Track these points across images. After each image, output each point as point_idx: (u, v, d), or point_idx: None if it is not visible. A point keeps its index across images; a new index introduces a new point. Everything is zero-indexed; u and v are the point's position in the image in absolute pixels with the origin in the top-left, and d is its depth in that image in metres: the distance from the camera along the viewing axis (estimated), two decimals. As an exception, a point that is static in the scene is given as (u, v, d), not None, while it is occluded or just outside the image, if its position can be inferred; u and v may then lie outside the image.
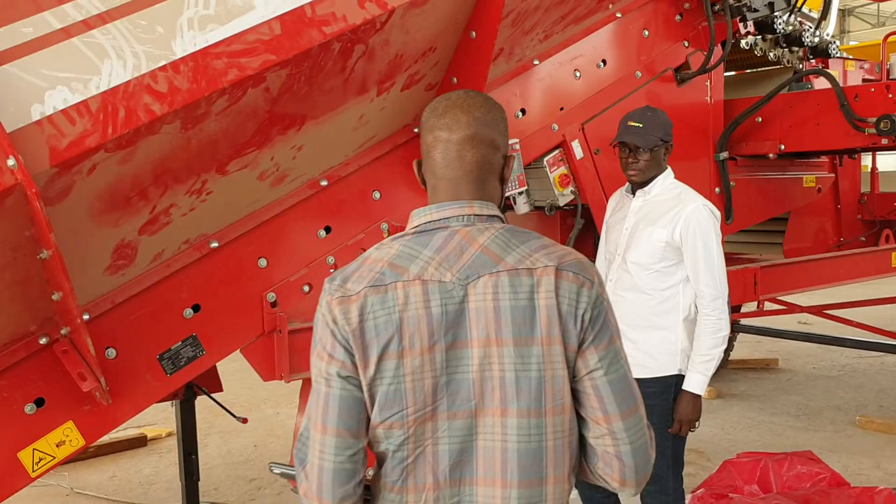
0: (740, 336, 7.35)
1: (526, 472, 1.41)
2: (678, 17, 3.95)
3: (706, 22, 3.91)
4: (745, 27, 4.32)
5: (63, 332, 2.34)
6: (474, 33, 2.77)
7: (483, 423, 1.41)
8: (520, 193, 3.39)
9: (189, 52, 2.04)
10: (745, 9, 4.12)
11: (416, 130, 3.11)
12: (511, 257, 1.44)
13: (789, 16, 4.50)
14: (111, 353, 2.48)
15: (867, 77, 5.41)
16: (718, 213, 3.02)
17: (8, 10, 1.89)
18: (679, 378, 2.98)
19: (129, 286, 2.51)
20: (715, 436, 5.47)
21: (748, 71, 5.08)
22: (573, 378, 1.45)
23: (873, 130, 3.95)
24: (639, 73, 3.78)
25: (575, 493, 3.15)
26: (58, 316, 2.28)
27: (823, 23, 4.86)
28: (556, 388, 1.42)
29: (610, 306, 1.49)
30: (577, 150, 3.53)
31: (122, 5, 1.99)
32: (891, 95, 3.97)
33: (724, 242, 3.17)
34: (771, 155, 4.37)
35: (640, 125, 2.98)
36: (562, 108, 3.52)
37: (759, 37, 4.49)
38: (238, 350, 2.78)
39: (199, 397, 4.38)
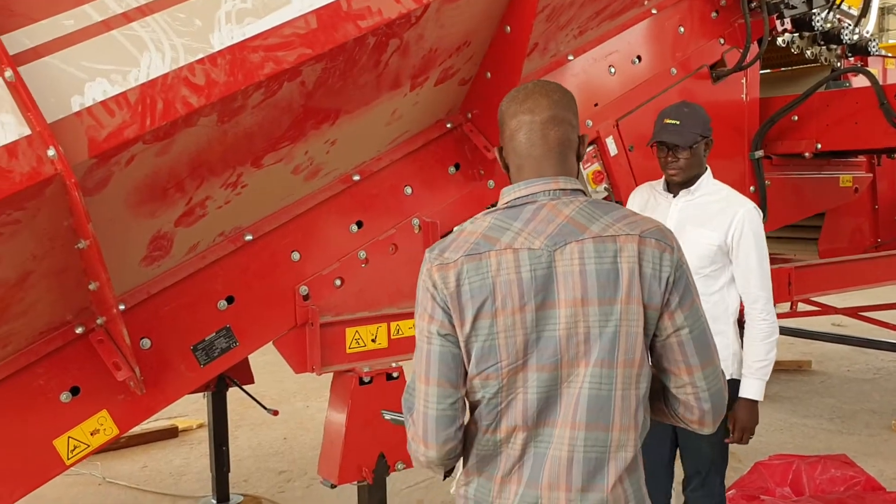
0: (773, 337, 7.24)
1: (594, 416, 1.56)
2: (714, 14, 3.90)
3: (742, 19, 3.87)
4: (783, 24, 4.26)
5: (99, 321, 2.37)
6: (509, 28, 2.76)
7: (567, 374, 1.57)
8: (552, 190, 3.37)
9: (226, 46, 2.06)
10: (782, 6, 4.06)
11: (448, 126, 3.11)
12: (595, 226, 1.59)
13: (828, 13, 4.43)
14: (146, 343, 2.51)
15: (908, 75, 5.31)
16: (761, 213, 2.96)
17: (50, 2, 1.92)
18: (733, 383, 2.82)
19: (164, 277, 2.54)
20: (746, 437, 5.41)
21: (784, 69, 5.01)
22: (659, 335, 1.62)
23: (914, 129, 3.88)
24: (674, 70, 3.75)
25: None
26: (94, 306, 2.31)
27: (863, 20, 4.77)
28: (629, 344, 1.57)
29: (689, 269, 1.65)
30: (611, 146, 3.51)
31: (161, -2, 2.02)
32: (932, 94, 3.90)
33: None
34: (807, 154, 4.31)
35: (678, 122, 2.85)
36: (596, 105, 3.50)
37: (797, 34, 4.42)
38: (270, 342, 2.80)
39: (229, 389, 4.43)
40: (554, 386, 1.57)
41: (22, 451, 2.35)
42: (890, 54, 5.29)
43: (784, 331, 7.00)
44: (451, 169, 3.16)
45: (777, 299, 4.44)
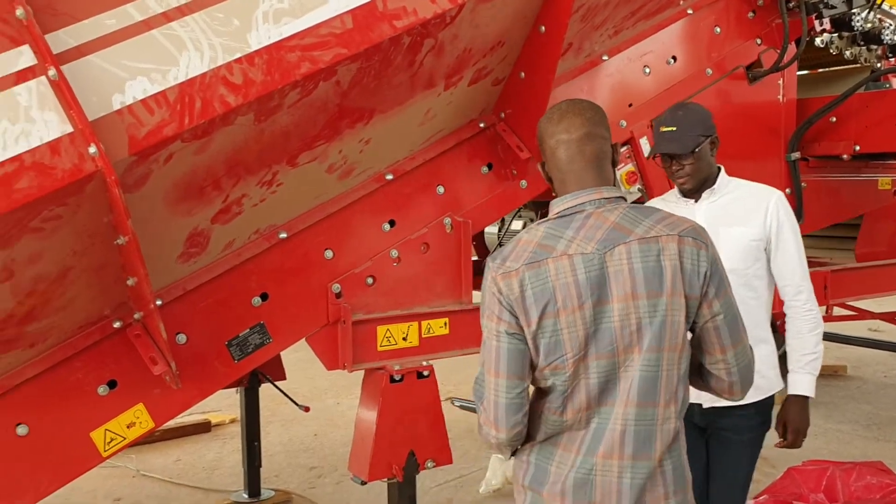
0: (807, 341, 7.13)
1: (643, 395, 1.79)
2: (751, 14, 3.86)
3: (780, 19, 3.82)
4: (821, 24, 4.20)
5: (136, 316, 2.41)
6: (544, 28, 2.76)
7: (623, 360, 1.79)
8: (585, 190, 3.36)
9: (264, 45, 2.08)
10: (821, 5, 4.00)
11: (481, 125, 3.12)
12: (639, 229, 1.81)
13: (868, 13, 4.35)
14: (181, 338, 2.55)
15: (950, 77, 5.20)
16: None
17: (92, 2, 1.95)
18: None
19: (200, 274, 2.58)
20: (779, 442, 5.35)
21: (823, 69, 4.94)
22: (698, 321, 1.85)
23: (955, 132, 3.81)
24: (709, 71, 3.71)
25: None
26: (132, 301, 2.35)
27: (904, 20, 4.69)
28: (674, 331, 1.79)
29: (721, 261, 1.87)
30: (645, 147, 3.49)
31: (200, -2, 2.04)
32: (975, 95, 3.82)
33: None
34: (845, 156, 4.24)
35: (675, 129, 2.67)
36: (630, 105, 3.48)
37: (836, 34, 4.36)
38: (303, 339, 2.82)
39: (262, 385, 4.48)
40: (612, 371, 1.79)
41: (60, 442, 2.39)
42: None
43: (819, 335, 6.91)
44: (484, 168, 3.16)
45: (813, 303, 4.39)
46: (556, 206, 1.87)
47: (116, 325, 2.43)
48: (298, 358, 4.50)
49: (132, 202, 1.98)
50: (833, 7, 4.05)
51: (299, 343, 2.86)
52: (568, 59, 3.15)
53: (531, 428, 1.86)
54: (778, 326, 3.07)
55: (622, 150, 3.44)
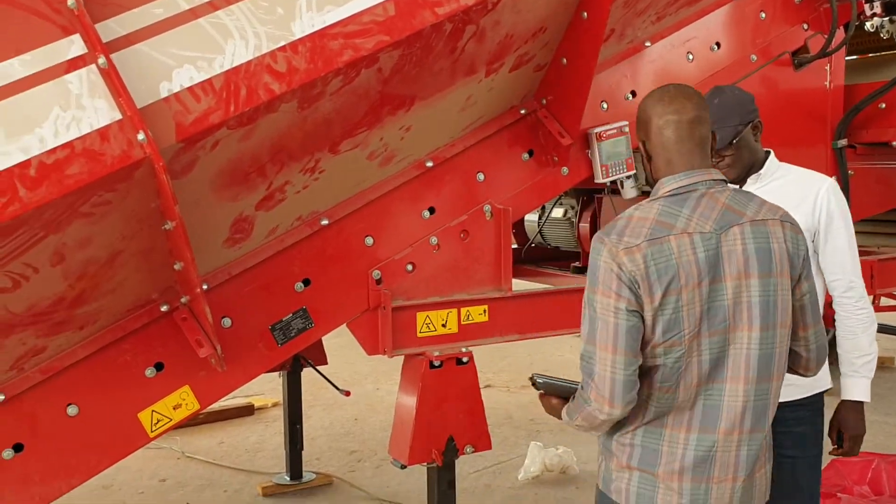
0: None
1: (762, 372, 1.87)
2: (798, -1, 3.80)
3: (828, 3, 3.75)
4: (872, 8, 4.11)
5: (183, 300, 2.46)
6: (586, 14, 2.74)
7: (733, 337, 1.85)
8: (627, 177, 3.34)
9: (307, 33, 2.10)
10: (872, -11, 3.93)
11: (522, 112, 3.11)
12: (749, 211, 1.89)
13: (920, -4, 4.25)
14: (227, 322, 2.59)
15: None
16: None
17: (141, -8, 1.99)
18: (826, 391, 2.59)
19: (244, 259, 2.62)
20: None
21: (872, 55, 4.83)
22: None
23: None
24: (754, 57, 3.66)
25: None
26: (179, 285, 2.40)
27: (958, 3, 4.56)
28: (783, 309, 1.89)
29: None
30: (687, 134, 3.45)
31: (245, -13, 2.07)
32: None
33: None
34: (894, 143, 4.16)
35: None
36: (672, 92, 3.44)
37: (887, 18, 4.26)
38: (344, 324, 2.86)
39: (304, 370, 4.54)
40: (723, 348, 1.85)
41: (109, 422, 2.46)
42: None
43: (866, 326, 6.78)
44: (525, 156, 3.16)
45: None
46: (669, 185, 1.91)
47: (164, 308, 2.48)
48: (339, 344, 4.55)
49: (179, 188, 2.02)
50: (884, -10, 3.97)
51: (340, 329, 2.89)
52: (610, 45, 3.12)
53: (634, 411, 1.89)
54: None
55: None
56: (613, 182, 3.34)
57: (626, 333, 1.81)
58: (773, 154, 2.67)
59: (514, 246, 4.92)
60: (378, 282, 2.83)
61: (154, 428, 2.52)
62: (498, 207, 3.08)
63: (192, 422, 5.52)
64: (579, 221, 4.42)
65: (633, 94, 3.34)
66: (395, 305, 2.86)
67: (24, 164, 1.81)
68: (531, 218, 4.80)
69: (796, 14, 3.80)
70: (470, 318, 3.05)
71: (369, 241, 2.83)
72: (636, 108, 3.30)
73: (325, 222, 2.73)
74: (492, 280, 3.11)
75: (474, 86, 2.73)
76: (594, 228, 4.31)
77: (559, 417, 2.07)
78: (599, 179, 3.24)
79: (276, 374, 4.65)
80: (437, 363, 2.87)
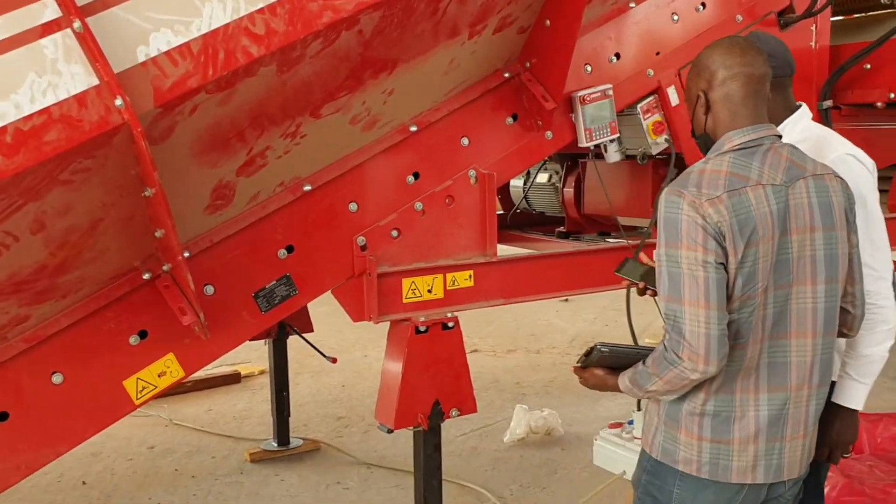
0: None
1: (828, 325, 1.90)
2: (784, -42, 3.76)
3: (814, -37, 3.72)
4: (857, -32, 4.09)
5: (165, 268, 2.45)
6: (569, -25, 2.71)
7: (796, 291, 1.86)
8: (611, 141, 3.32)
9: (286, -5, 2.06)
10: (857, -52, 3.90)
11: (506, 75, 3.08)
12: (809, 165, 1.91)
13: (906, -45, 4.22)
14: (209, 289, 2.58)
15: None
16: (872, 163, 2.28)
17: (114, -47, 1.94)
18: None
19: (227, 226, 2.60)
20: (805, 394, 5.33)
21: (858, 15, 4.81)
22: None
23: None
24: (739, 17, 3.63)
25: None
26: (160, 253, 2.38)
27: (944, -38, 4.54)
28: (843, 262, 1.91)
29: None
30: (673, 96, 3.44)
31: (221, -52, 2.02)
32: None
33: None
34: (879, 104, 4.15)
35: None
36: (658, 53, 3.42)
37: (872, -22, 4.24)
38: (328, 291, 2.85)
39: (290, 338, 4.54)
40: (785, 302, 1.85)
41: (94, 390, 2.45)
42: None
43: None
44: (509, 120, 3.14)
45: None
46: (736, 138, 1.90)
47: (146, 276, 2.46)
48: (326, 311, 4.55)
49: (158, 154, 1.99)
50: (869, -51, 3.94)
51: (326, 296, 2.89)
52: (594, 6, 3.09)
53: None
54: None
55: (648, 99, 3.40)
56: (597, 146, 3.33)
57: (716, 287, 1.78)
58: (799, 111, 2.38)
59: (500, 211, 4.92)
60: (363, 248, 2.82)
61: (139, 395, 2.52)
62: (483, 172, 3.06)
63: (180, 390, 5.54)
64: (563, 186, 4.41)
65: (618, 56, 3.32)
66: (381, 272, 2.85)
67: (1, 131, 1.77)
68: (516, 183, 4.78)
69: (782, -26, 3.77)
70: (455, 283, 3.05)
71: (353, 207, 2.81)
72: (620, 71, 3.34)
73: (307, 188, 2.71)
74: (477, 245, 3.10)
75: (457, 48, 2.70)
76: (578, 193, 4.30)
77: (609, 388, 2.02)
78: (583, 143, 3.23)
79: (262, 341, 4.65)
80: (422, 328, 2.87)
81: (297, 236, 2.71)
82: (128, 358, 2.49)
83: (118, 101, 1.84)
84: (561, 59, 2.94)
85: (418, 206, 2.94)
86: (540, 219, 4.75)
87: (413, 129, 2.89)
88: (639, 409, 3.34)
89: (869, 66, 4.10)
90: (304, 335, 4.30)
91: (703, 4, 3.53)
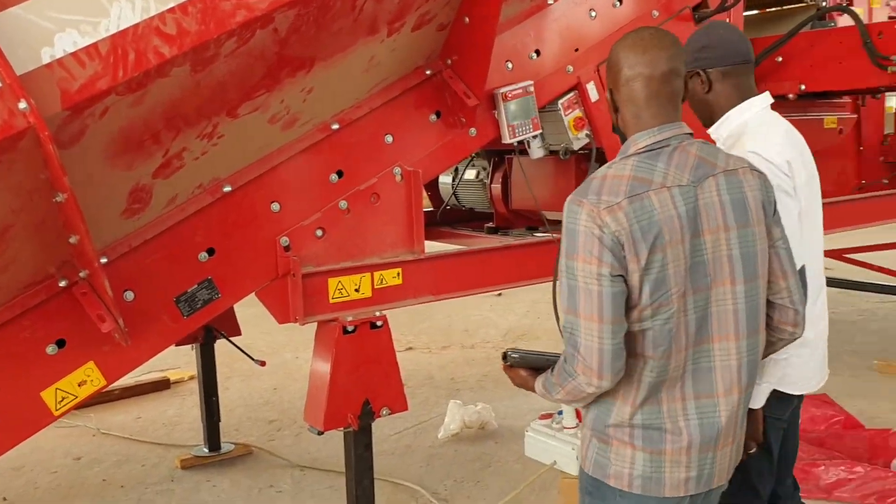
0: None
1: (751, 325, 1.83)
2: (697, -46, 3.85)
3: (726, -41, 3.82)
4: (768, -36, 4.21)
5: (82, 274, 2.38)
6: (485, -28, 2.72)
7: (715, 293, 1.79)
8: (534, 137, 3.36)
9: (197, -7, 2.03)
10: (766, -55, 4.01)
11: (428, 73, 3.09)
12: (720, 161, 1.84)
13: (813, -48, 4.38)
14: (129, 295, 2.52)
15: (893, 14, 5.27)
16: (781, 161, 2.23)
17: (14, -48, 1.88)
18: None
19: (145, 230, 2.55)
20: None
21: (769, 9, 4.96)
22: None
23: (896, 69, 3.86)
24: (656, 13, 3.70)
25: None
26: (76, 259, 2.32)
27: (849, -41, 4.72)
28: (763, 259, 1.84)
29: None
30: (593, 92, 3.49)
31: (128, -54, 1.98)
32: (916, 33, 3.87)
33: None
34: (791, 95, 4.29)
35: None
36: (577, 50, 3.47)
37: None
38: (253, 293, 2.81)
39: (220, 342, 4.47)
40: (706, 306, 1.79)
41: (10, 402, 2.38)
42: (876, -7, 5.24)
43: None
44: (432, 117, 3.14)
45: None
46: (641, 141, 1.82)
47: (62, 283, 2.39)
48: (255, 313, 4.48)
49: (69, 158, 1.94)
50: (778, -54, 4.06)
51: (255, 299, 2.84)
52: (513, 3, 3.12)
53: (626, 389, 1.80)
54: None
55: (568, 95, 3.44)
56: (521, 142, 3.37)
57: (611, 301, 1.71)
58: (737, 109, 2.34)
59: (430, 208, 4.93)
60: (286, 248, 2.79)
61: (59, 406, 2.45)
62: (408, 170, 3.06)
63: (107, 398, 5.40)
64: (491, 182, 4.44)
65: (538, 52, 3.35)
66: (306, 272, 2.83)
67: None
68: (445, 180, 4.80)
69: (695, -31, 3.86)
70: (383, 281, 3.05)
71: (275, 207, 2.78)
72: (541, 68, 3.37)
73: (227, 189, 2.67)
74: (405, 243, 3.10)
75: (377, 46, 2.70)
76: (505, 189, 4.34)
77: (531, 389, 1.97)
78: (507, 140, 3.25)
79: (190, 346, 4.56)
80: (350, 328, 2.86)
81: (218, 238, 2.67)
82: (45, 368, 2.42)
83: (22, 105, 1.78)
84: (481, 56, 2.96)
85: (343, 204, 2.92)
86: (469, 215, 4.78)
87: (335, 127, 2.88)
88: (568, 401, 3.38)
89: (780, 58, 4.23)
90: (231, 339, 4.24)
91: (620, 0, 3.59)
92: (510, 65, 3.27)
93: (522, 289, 5.64)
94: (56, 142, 1.85)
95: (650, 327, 1.76)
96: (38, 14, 1.87)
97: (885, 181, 5.35)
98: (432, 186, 4.93)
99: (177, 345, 3.77)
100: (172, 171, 2.41)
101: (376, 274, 3.02)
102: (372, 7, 2.47)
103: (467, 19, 2.88)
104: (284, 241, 2.78)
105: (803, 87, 4.23)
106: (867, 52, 3.95)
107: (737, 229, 1.80)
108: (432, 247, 3.40)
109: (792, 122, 4.64)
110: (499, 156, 4.43)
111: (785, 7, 4.85)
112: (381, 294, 3.03)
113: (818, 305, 2.39)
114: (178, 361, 6.11)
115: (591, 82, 3.47)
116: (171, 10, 2.01)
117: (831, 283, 6.98)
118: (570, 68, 3.43)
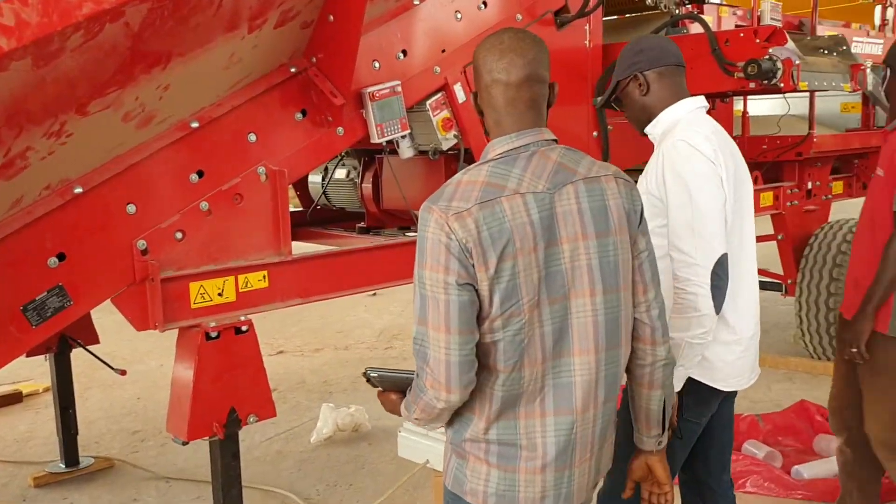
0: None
1: (611, 339, 1.76)
2: (558, -40, 3.95)
3: (585, -35, 3.93)
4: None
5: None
6: (350, -30, 2.70)
7: (574, 304, 1.73)
8: (403, 137, 3.35)
9: (38, -17, 1.90)
10: (622, -48, 4.16)
11: (293, 70, 3.02)
12: (581, 168, 1.77)
13: (666, -39, 4.57)
14: (-31, 304, 2.35)
15: (740, 23, 5.58)
16: (707, 149, 2.26)
17: None
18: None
19: (-15, 235, 2.37)
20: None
21: (629, 15, 5.15)
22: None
23: (742, 74, 4.08)
24: (519, 16, 3.78)
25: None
26: None
27: (699, -31, 4.96)
28: (626, 269, 1.78)
29: None
30: (460, 93, 3.52)
31: (-42, -71, 1.84)
32: (759, 41, 4.10)
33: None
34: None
35: None
36: (443, 51, 3.49)
37: (641, -20, 4.55)
38: (109, 300, 2.68)
39: (74, 351, 4.24)
40: (565, 317, 1.72)
41: None
42: (724, 2, 5.54)
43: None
44: (298, 115, 3.08)
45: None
46: (499, 147, 1.76)
47: None
48: (116, 321, 4.28)
49: None
50: (632, -46, 4.22)
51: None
52: (378, 2, 3.10)
53: (480, 402, 1.73)
54: None
55: (436, 96, 3.46)
56: (391, 142, 3.35)
57: (458, 311, 1.64)
58: (671, 109, 2.40)
59: (300, 209, 4.84)
60: (144, 252, 2.67)
61: None
62: (273, 169, 2.99)
63: (-49, 415, 5.03)
64: (362, 182, 4.41)
65: (405, 53, 3.35)
66: (165, 276, 2.71)
67: None
68: (315, 179, 4.73)
69: (552, -27, 3.94)
70: (249, 285, 2.96)
71: (131, 208, 2.65)
72: (408, 68, 3.37)
73: (78, 190, 2.52)
74: (270, 244, 3.03)
75: (237, 42, 2.62)
76: (376, 189, 4.32)
77: (400, 414, 1.88)
78: (375, 139, 3.23)
79: (43, 357, 4.30)
80: (213, 334, 2.77)
81: (69, 242, 2.52)
82: None
83: None
84: (346, 55, 2.93)
85: (204, 205, 2.82)
86: (341, 215, 4.73)
87: (194, 125, 2.77)
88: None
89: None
90: (88, 347, 4.03)
91: (485, 3, 3.64)
92: (377, 64, 3.25)
93: (398, 288, 5.63)
94: None
95: (501, 338, 1.69)
96: None
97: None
98: (301, 186, 4.85)
99: (27, 355, 3.55)
100: (16, 172, 2.25)
101: (241, 277, 2.94)
102: (231, 2, 2.40)
103: (332, 17, 2.85)
104: (141, 244, 2.66)
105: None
106: (715, 59, 4.16)
107: (596, 238, 1.73)
108: (301, 248, 3.34)
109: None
110: (369, 155, 4.40)
111: (642, 14, 5.05)
112: (246, 298, 2.95)
113: (753, 304, 2.46)
114: (33, 373, 5.76)
115: (458, 83, 3.50)
116: (9, 0, 1.87)
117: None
118: (438, 69, 3.45)
